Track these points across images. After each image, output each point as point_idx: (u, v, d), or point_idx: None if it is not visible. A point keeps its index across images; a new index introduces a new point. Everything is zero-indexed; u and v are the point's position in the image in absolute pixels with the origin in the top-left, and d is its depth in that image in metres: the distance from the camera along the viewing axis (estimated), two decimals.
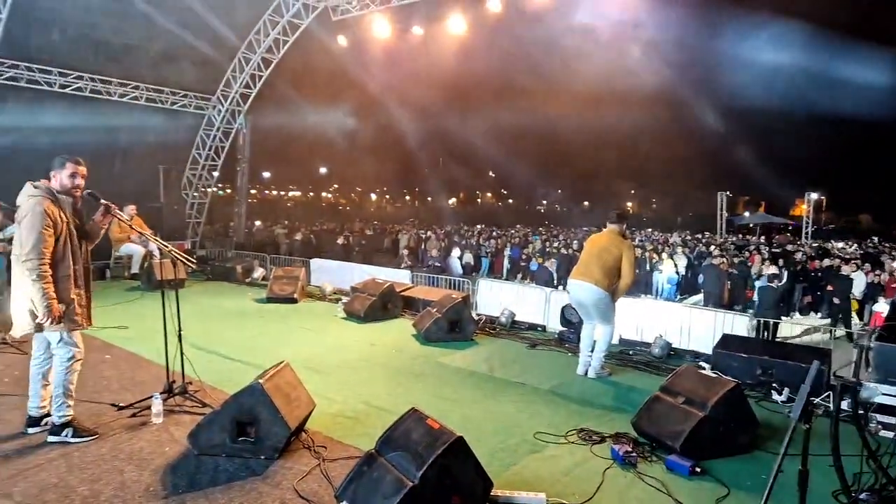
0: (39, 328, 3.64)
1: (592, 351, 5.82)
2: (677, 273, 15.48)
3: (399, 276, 10.71)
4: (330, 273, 11.25)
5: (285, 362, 4.17)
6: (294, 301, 8.99)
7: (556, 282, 13.97)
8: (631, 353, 6.69)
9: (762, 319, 7.72)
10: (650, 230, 34.59)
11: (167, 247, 4.53)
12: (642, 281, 15.59)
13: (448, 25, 12.16)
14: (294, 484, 3.32)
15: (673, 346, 6.70)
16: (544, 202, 73.69)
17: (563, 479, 3.59)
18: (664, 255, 16.28)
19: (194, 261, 5.12)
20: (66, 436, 3.73)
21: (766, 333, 7.64)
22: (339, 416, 4.44)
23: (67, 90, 12.24)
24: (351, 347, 6.56)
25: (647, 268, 15.60)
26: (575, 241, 20.32)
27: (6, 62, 11.05)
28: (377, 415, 4.46)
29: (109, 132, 13.42)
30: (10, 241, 6.58)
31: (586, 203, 68.89)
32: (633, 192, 72.43)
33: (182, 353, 4.49)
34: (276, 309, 8.59)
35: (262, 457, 3.61)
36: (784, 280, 12.66)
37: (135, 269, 10.35)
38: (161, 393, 4.30)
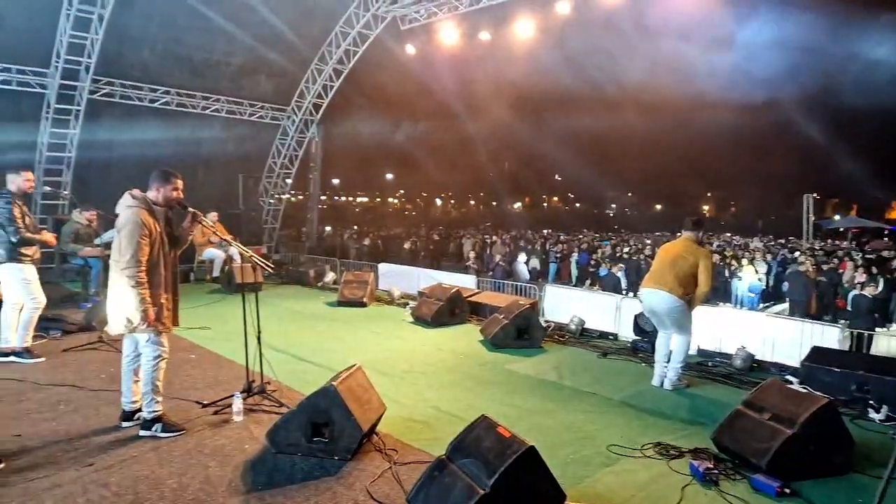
0: (133, 329, 3.90)
1: (668, 361, 5.59)
2: (759, 280, 14.63)
3: (465, 282, 10.73)
4: (397, 277, 11.42)
5: (357, 365, 4.25)
6: (364, 305, 9.19)
7: (625, 288, 13.55)
8: (710, 364, 6.38)
9: (856, 331, 7.16)
10: (729, 235, 32.90)
11: (248, 252, 4.74)
12: (721, 289, 14.86)
13: (515, 30, 12.10)
14: (367, 486, 3.38)
15: (756, 358, 6.33)
16: (613, 206, 71.81)
17: (639, 494, 3.46)
18: (744, 262, 15.42)
19: (272, 265, 5.33)
20: (156, 430, 3.97)
21: (860, 346, 7.09)
22: (408, 419, 4.48)
23: (156, 104, 13.11)
24: (419, 352, 6.63)
25: (727, 275, 14.82)
26: (647, 247, 19.66)
27: (102, 80, 11.95)
28: (446, 420, 4.48)
29: (193, 143, 14.28)
30: (107, 245, 7.14)
31: (658, 206, 66.54)
32: (709, 194, 69.23)
33: (261, 354, 4.68)
34: (346, 312, 8.82)
35: (336, 457, 3.69)
36: (880, 288, 11.72)
37: (216, 273, 10.94)
38: (241, 392, 4.50)
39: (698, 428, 4.48)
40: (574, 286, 15.80)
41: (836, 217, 42.71)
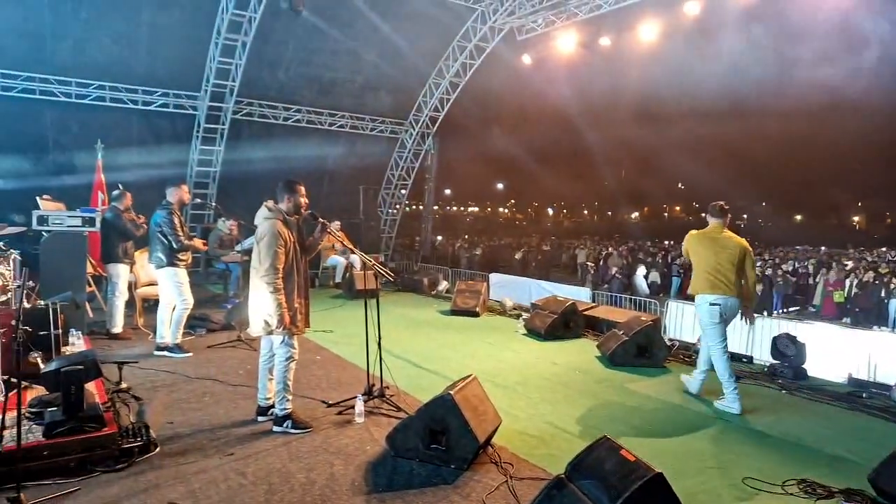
0: (270, 331, 4.21)
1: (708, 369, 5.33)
2: None
3: (579, 294, 10.45)
4: (508, 288, 11.39)
5: (473, 376, 4.27)
6: (476, 315, 9.24)
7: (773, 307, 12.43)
8: (863, 395, 5.64)
9: None
10: (884, 249, 29.13)
11: (370, 260, 4.96)
12: (874, 310, 13.19)
13: (637, 34, 11.64)
14: (483, 497, 3.36)
15: None
16: (745, 216, 66.37)
17: None
18: None
19: (391, 273, 5.53)
20: (287, 427, 4.24)
21: None
22: (523, 433, 4.41)
23: (289, 122, 14.21)
24: (533, 365, 6.52)
25: (882, 294, 13.11)
26: (790, 262, 17.94)
27: (244, 101, 13.19)
28: (562, 437, 4.35)
29: (320, 157, 15.29)
30: (247, 252, 7.83)
31: (798, 217, 60.51)
32: (860, 203, 61.83)
33: (381, 359, 4.85)
34: (459, 321, 8.92)
35: (452, 466, 3.72)
36: None
37: (338, 279, 11.58)
38: (363, 395, 4.69)
39: (850, 466, 3.98)
40: None
41: None
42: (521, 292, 10.96)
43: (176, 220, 6.13)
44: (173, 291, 6.20)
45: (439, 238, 27.22)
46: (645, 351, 6.53)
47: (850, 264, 17.03)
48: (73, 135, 11.71)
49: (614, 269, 18.08)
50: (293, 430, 4.22)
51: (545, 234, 37.65)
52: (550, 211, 76.09)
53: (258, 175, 12.89)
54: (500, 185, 65.29)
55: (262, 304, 4.15)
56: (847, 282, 14.08)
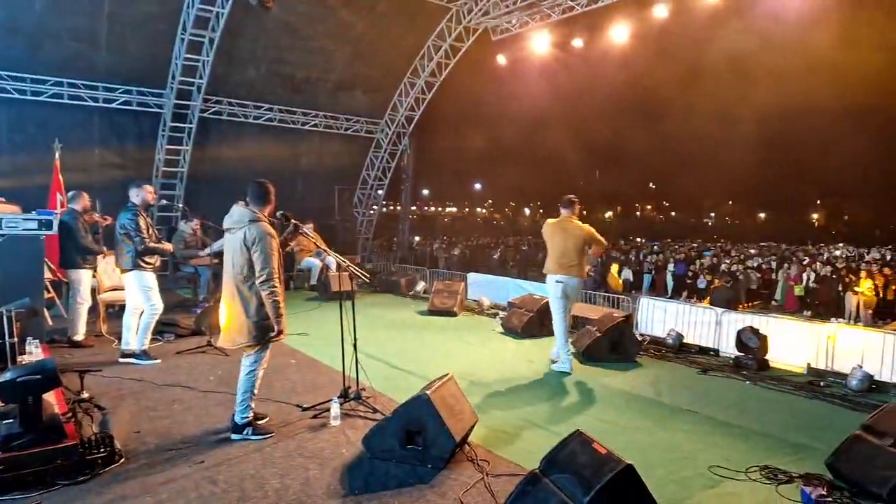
0: (267, 340, 4.13)
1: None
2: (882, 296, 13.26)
3: None
4: (486, 287, 11.44)
5: (450, 375, 4.30)
6: (454, 314, 9.29)
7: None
8: (821, 384, 5.86)
9: None
10: (841, 245, 30.11)
11: (345, 261, 4.95)
12: (832, 303, 13.64)
13: (609, 36, 11.81)
14: (459, 496, 3.40)
15: (874, 378, 5.75)
16: (712, 214, 67.86)
17: None
18: (862, 274, 14.03)
19: (367, 275, 5.53)
20: (248, 434, 4.13)
21: None
22: (499, 431, 4.47)
23: (260, 121, 14.04)
24: (509, 362, 6.60)
25: (840, 288, 13.56)
26: (753, 259, 18.43)
27: (212, 98, 12.94)
28: (537, 433, 4.42)
29: (293, 157, 15.15)
30: (216, 255, 7.69)
31: (762, 215, 62.11)
32: (818, 202, 63.71)
33: (357, 361, 4.86)
34: (437, 321, 8.96)
35: (429, 465, 3.75)
36: None
37: (313, 281, 11.49)
38: (338, 397, 4.68)
39: (810, 452, 4.14)
40: (670, 298, 15.10)
41: None
42: (499, 291, 11.03)
43: (141, 222, 5.97)
44: (141, 296, 6.03)
45: (417, 239, 27.19)
46: (617, 346, 6.66)
47: (806, 259, 17.56)
48: (29, 134, 11.24)
49: (588, 267, 18.34)
50: (253, 437, 4.14)
51: (523, 234, 37.89)
52: (528, 210, 76.64)
53: (228, 175, 12.68)
54: (477, 185, 65.51)
55: (244, 311, 4.07)
56: (804, 276, 14.53)
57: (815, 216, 64.74)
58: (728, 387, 5.86)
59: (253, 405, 4.26)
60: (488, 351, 7.14)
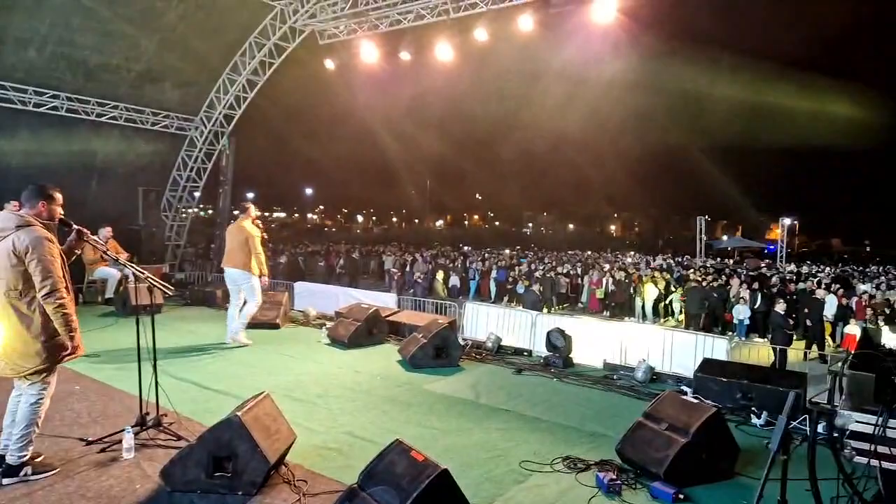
0: (53, 363, 3.52)
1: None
2: (663, 296, 15.58)
3: (385, 300, 10.58)
4: (314, 297, 11.08)
5: (265, 393, 4.04)
6: (276, 327, 8.81)
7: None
8: (615, 377, 6.63)
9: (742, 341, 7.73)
10: (633, 253, 34.85)
11: (143, 273, 4.40)
12: (626, 304, 15.65)
13: (436, 52, 12.21)
14: None
15: (655, 370, 6.66)
16: (530, 225, 74.27)
17: None
18: (646, 279, 16.34)
19: (171, 287, 4.97)
20: (27, 474, 3.53)
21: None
22: (321, 447, 4.29)
23: (43, 109, 12.06)
24: (334, 375, 6.42)
25: (632, 291, 15.63)
26: (564, 265, 20.42)
27: None
28: (361, 446, 4.33)
29: (87, 153, 13.25)
30: None
31: (571, 226, 69.55)
32: (616, 215, 73.30)
33: (157, 384, 4.33)
34: (257, 335, 8.36)
35: (240, 492, 3.46)
36: (758, 302, 12.86)
37: (109, 294, 10.08)
38: (133, 426, 4.13)
39: (604, 440, 4.62)
40: (493, 303, 16.07)
41: (725, 237, 46.57)
42: (328, 301, 10.73)
43: None
44: None
45: None
46: (442, 352, 6.86)
47: (606, 266, 20.02)
48: None
49: (417, 274, 18.79)
50: (34, 477, 3.54)
51: (355, 241, 37.59)
52: (360, 218, 76.49)
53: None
54: (308, 191, 63.66)
55: (20, 335, 3.42)
56: (604, 280, 16.55)
57: (612, 227, 74.22)
58: (539, 384, 6.34)
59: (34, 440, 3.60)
60: (313, 364, 6.88)
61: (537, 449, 4.40)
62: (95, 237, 4.19)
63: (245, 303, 7.57)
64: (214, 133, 15.10)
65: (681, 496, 3.62)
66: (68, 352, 3.59)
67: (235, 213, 7.03)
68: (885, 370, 2.93)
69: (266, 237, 8.08)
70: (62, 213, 3.76)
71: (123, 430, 4.01)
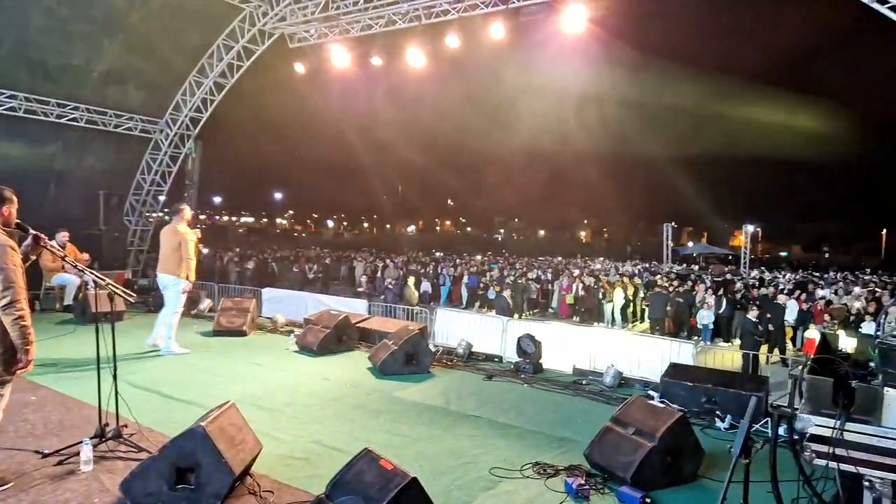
0: (4, 376, 3.38)
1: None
2: (632, 302, 15.83)
3: (356, 306, 10.50)
4: (283, 303, 10.92)
5: (231, 402, 3.95)
6: (243, 334, 8.64)
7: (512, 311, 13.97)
8: (584, 382, 6.70)
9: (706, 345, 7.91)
10: (602, 259, 35.35)
11: (103, 279, 4.26)
12: (595, 310, 15.84)
13: (408, 58, 12.19)
14: None
15: (624, 374, 6.75)
16: (502, 231, 74.74)
17: None
18: (616, 285, 16.57)
19: (133, 294, 4.83)
20: None
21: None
22: (288, 457, 4.22)
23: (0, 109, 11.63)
24: (303, 383, 6.32)
25: (600, 297, 15.82)
26: (534, 271, 20.56)
27: None
28: (329, 455, 4.27)
29: (44, 155, 12.80)
30: None
31: (542, 232, 70.27)
32: (585, 221, 74.33)
33: (117, 393, 4.19)
34: (222, 342, 8.23)
35: None
36: (723, 307, 13.19)
37: (68, 301, 9.74)
38: (92, 438, 3.98)
39: (573, 445, 4.66)
40: (464, 309, 16.09)
41: (690, 244, 47.71)
42: (297, 307, 10.59)
43: None
44: None
45: (205, 250, 24.87)
46: (412, 358, 6.83)
47: (576, 272, 20.25)
48: None
49: (388, 280, 18.67)
50: None
51: (325, 246, 37.21)
52: (331, 223, 75.84)
53: None
54: (278, 195, 62.81)
55: None
56: (574, 286, 16.73)
57: (582, 234, 75.23)
58: (509, 390, 6.36)
59: None
60: (281, 372, 6.77)
61: (507, 455, 4.41)
62: (53, 242, 4.04)
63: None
64: (180, 136, 14.75)
65: (647, 500, 3.68)
66: (22, 364, 3.45)
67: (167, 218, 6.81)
68: (841, 374, 3.03)
69: (200, 238, 7.98)
70: (17, 218, 3.62)
71: (81, 442, 3.86)
